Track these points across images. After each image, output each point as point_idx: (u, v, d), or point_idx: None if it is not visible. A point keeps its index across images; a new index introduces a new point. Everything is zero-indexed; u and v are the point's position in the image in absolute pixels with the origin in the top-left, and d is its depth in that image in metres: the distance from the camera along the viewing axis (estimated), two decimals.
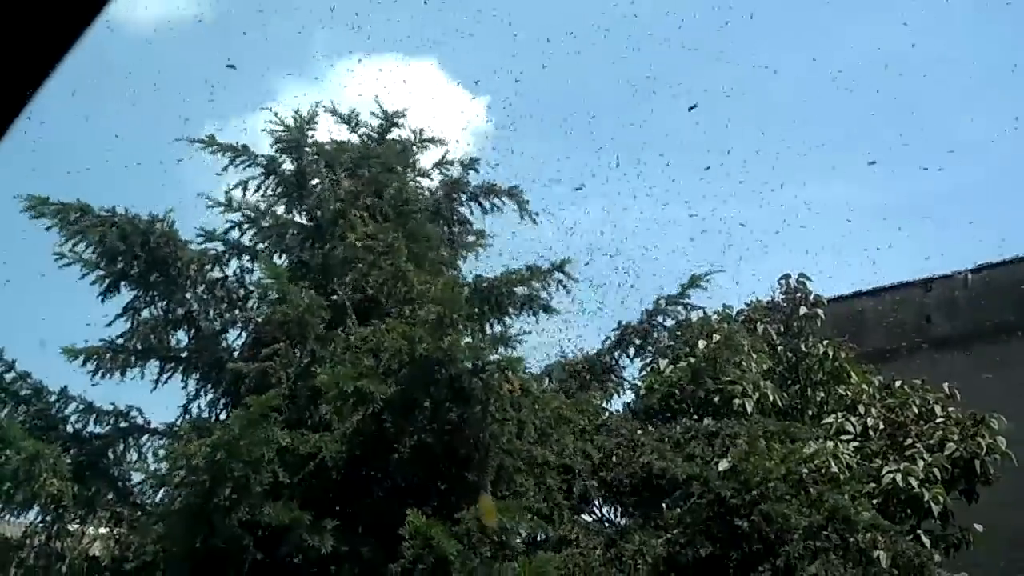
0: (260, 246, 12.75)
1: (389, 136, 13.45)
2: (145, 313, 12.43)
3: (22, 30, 2.52)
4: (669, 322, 14.07)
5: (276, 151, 12.92)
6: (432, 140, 13.58)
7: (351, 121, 13.43)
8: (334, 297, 11.67)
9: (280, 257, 12.68)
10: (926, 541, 13.29)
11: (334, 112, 13.36)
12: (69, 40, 2.60)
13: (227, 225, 12.61)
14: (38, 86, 2.66)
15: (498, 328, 11.52)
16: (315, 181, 12.93)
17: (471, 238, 13.42)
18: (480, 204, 13.43)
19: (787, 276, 16.25)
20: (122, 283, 12.18)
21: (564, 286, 12.08)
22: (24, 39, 2.54)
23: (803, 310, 15.80)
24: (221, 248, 12.61)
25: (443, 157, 13.59)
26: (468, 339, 10.64)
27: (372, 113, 13.47)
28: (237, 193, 12.72)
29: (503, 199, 13.35)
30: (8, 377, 11.84)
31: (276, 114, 13.03)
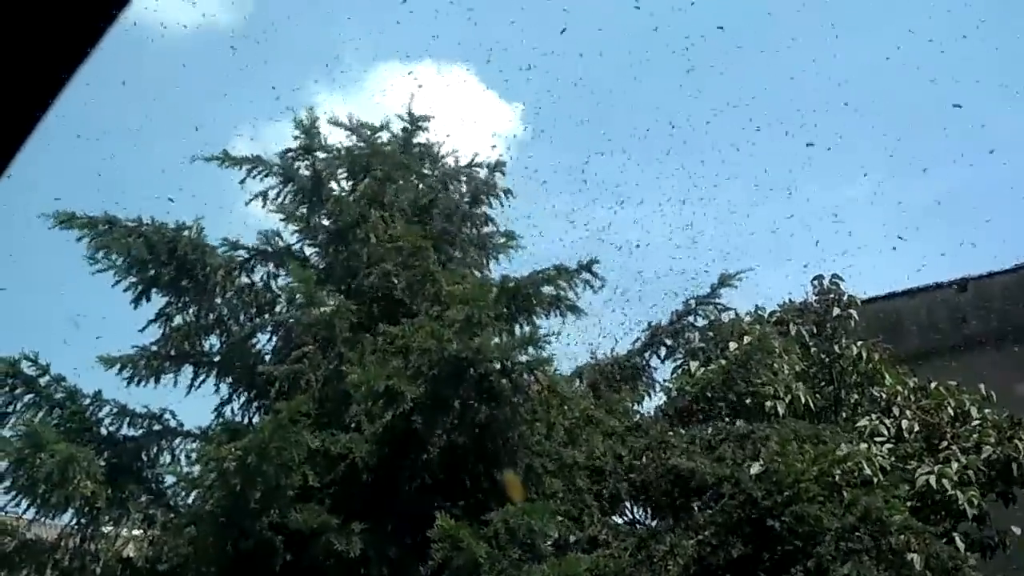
0: (287, 249, 12.86)
1: (415, 139, 13.49)
2: (178, 319, 12.58)
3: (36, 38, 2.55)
4: (700, 322, 14.03)
5: (289, 159, 13.01)
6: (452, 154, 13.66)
7: (351, 126, 13.42)
8: (360, 299, 11.73)
9: (305, 261, 12.77)
10: (961, 544, 13.15)
11: (337, 123, 13.37)
12: (83, 50, 2.62)
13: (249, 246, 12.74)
14: (55, 94, 2.69)
15: (526, 328, 11.50)
16: (332, 185, 13.00)
17: (501, 240, 13.44)
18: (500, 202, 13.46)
19: (820, 277, 16.16)
20: (153, 290, 12.32)
21: (591, 286, 12.07)
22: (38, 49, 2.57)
23: (836, 311, 15.70)
24: (248, 254, 12.73)
25: (472, 160, 13.63)
26: (497, 339, 10.66)
27: (398, 116, 13.54)
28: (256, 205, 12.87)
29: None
30: (43, 381, 11.98)
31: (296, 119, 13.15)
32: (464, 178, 13.66)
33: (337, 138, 13.37)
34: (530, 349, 10.65)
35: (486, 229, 13.44)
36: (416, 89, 19.31)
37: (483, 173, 13.67)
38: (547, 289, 11.60)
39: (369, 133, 13.32)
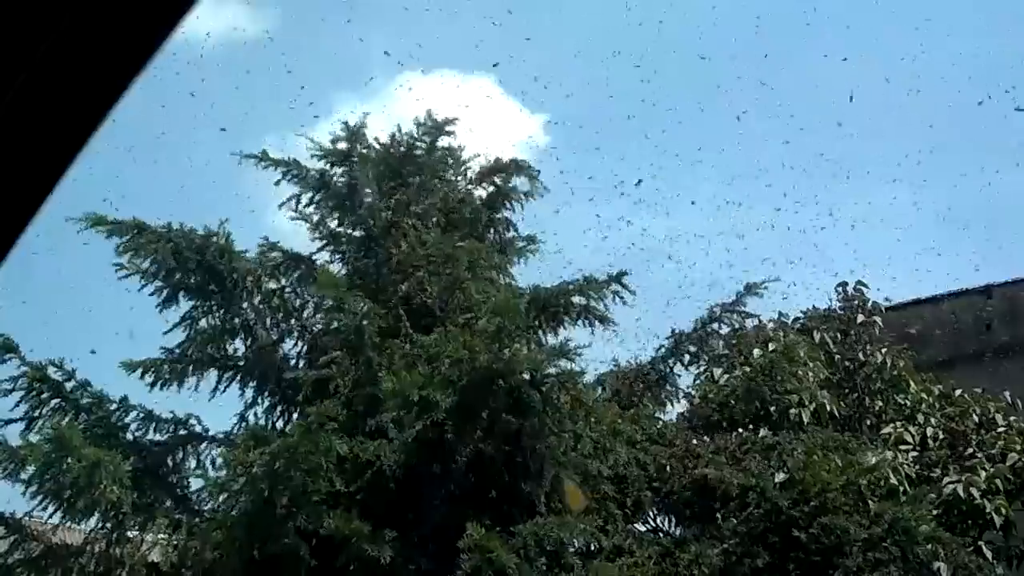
0: (316, 257, 12.89)
1: (439, 144, 13.46)
2: (203, 323, 12.59)
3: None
4: (724, 330, 13.98)
5: (326, 164, 13.01)
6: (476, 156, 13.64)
7: (395, 139, 13.43)
8: (389, 305, 11.75)
9: (335, 267, 12.79)
10: (988, 553, 13.08)
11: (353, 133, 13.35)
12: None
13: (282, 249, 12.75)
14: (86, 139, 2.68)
15: (553, 338, 11.52)
16: (367, 191, 13.01)
17: (521, 244, 13.42)
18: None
19: (844, 284, 16.07)
20: (180, 294, 12.35)
21: (620, 297, 12.04)
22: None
23: (861, 318, 15.61)
24: (281, 258, 12.75)
25: (494, 163, 13.58)
26: (526, 350, 10.67)
27: (425, 121, 13.49)
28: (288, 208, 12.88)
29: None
30: (69, 386, 12.04)
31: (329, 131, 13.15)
32: (487, 184, 13.63)
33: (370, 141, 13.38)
34: (561, 361, 10.66)
35: (509, 235, 13.42)
36: (440, 98, 19.28)
37: (509, 175, 13.60)
38: (577, 299, 11.59)
39: (404, 142, 13.31)
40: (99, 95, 2.61)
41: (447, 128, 13.41)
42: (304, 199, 12.92)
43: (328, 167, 13.01)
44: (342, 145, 13.01)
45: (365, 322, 11.20)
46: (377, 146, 13.28)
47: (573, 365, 10.74)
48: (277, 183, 12.91)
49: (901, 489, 12.40)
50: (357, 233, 12.92)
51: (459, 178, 13.60)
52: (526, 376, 10.37)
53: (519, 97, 28.05)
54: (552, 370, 10.60)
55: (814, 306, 16.00)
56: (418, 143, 13.36)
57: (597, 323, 11.95)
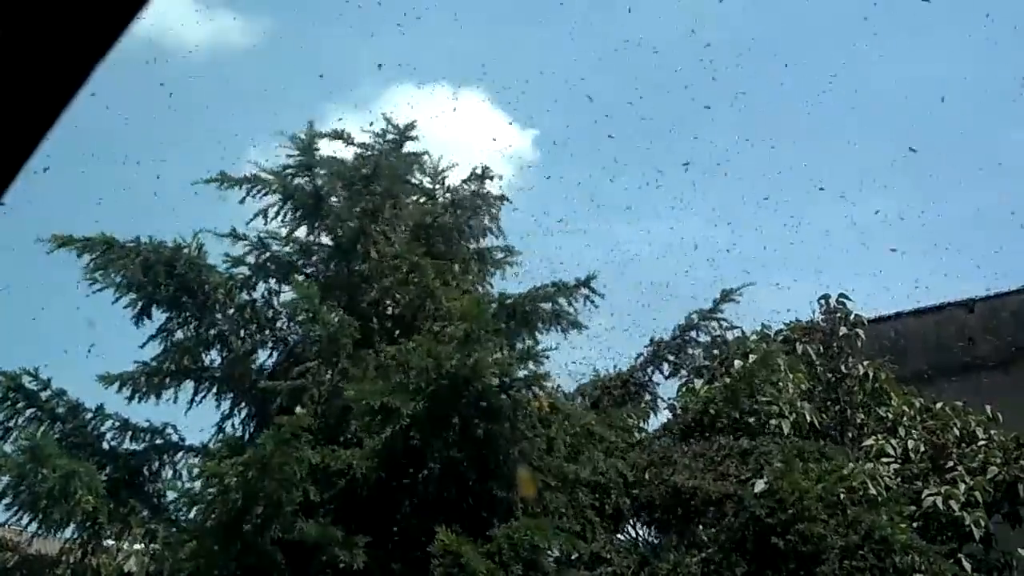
0: (289, 265, 12.86)
1: (403, 150, 13.40)
2: (179, 334, 12.59)
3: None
4: (703, 338, 13.98)
5: (288, 175, 12.96)
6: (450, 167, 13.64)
7: (343, 137, 13.33)
8: (361, 314, 11.75)
9: (305, 278, 12.75)
10: (968, 565, 13.05)
11: (337, 136, 13.31)
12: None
13: (245, 251, 12.72)
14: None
15: (527, 343, 11.50)
16: (333, 199, 12.98)
17: (500, 255, 13.40)
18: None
19: (827, 296, 16.09)
20: (154, 306, 12.35)
21: (591, 301, 12.04)
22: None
23: (843, 330, 15.61)
24: (248, 271, 12.72)
25: (472, 173, 13.59)
26: (496, 355, 10.65)
27: (385, 129, 13.43)
28: (256, 223, 12.84)
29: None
30: (44, 395, 12.01)
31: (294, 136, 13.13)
32: (463, 192, 13.62)
33: (336, 150, 13.34)
34: (529, 364, 10.65)
35: (484, 242, 13.41)
36: (430, 110, 19.34)
37: (482, 184, 13.61)
38: (546, 305, 11.60)
39: (366, 147, 13.26)
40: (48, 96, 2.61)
41: (408, 134, 13.34)
42: (271, 212, 12.88)
43: (289, 179, 12.96)
44: (295, 158, 12.97)
45: (339, 334, 11.22)
46: (339, 152, 13.23)
47: (542, 368, 10.73)
48: (242, 201, 12.85)
49: (880, 499, 12.38)
50: (326, 240, 12.90)
51: (436, 187, 13.59)
52: (494, 381, 10.35)
53: (509, 111, 28.16)
54: (521, 373, 10.59)
55: (797, 318, 16.03)
56: (381, 149, 13.26)
57: (571, 328, 11.95)
